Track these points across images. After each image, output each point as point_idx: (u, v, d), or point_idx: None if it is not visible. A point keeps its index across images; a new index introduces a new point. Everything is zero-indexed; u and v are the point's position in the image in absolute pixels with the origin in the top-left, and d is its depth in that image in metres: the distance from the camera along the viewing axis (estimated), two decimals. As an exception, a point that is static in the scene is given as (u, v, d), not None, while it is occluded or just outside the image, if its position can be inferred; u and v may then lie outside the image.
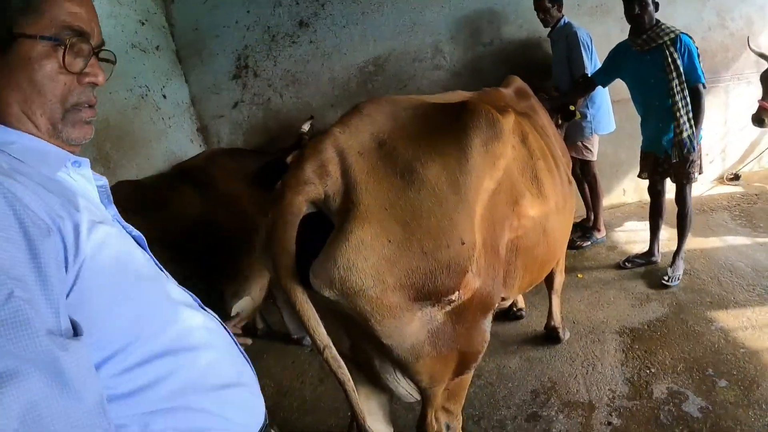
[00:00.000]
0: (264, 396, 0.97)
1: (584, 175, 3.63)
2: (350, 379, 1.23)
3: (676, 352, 2.66)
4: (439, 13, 3.38)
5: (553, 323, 2.77)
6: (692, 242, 3.57)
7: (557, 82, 3.43)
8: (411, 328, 1.17)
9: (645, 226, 3.86)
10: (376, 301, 1.07)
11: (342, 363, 1.21)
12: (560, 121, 3.10)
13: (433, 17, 3.38)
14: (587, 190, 3.69)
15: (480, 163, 1.21)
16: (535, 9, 3.29)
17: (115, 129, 2.60)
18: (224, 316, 1.29)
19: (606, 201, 3.99)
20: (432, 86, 3.48)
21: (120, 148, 2.62)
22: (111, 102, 2.60)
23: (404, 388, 1.49)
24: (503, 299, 1.76)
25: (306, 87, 3.43)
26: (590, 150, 3.48)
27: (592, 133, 3.42)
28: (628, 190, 4.05)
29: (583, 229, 3.82)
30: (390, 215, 1.08)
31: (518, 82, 2.36)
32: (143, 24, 3.00)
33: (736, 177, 4.39)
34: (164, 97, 3.07)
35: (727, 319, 2.84)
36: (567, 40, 3.26)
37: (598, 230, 3.70)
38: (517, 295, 1.88)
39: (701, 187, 4.05)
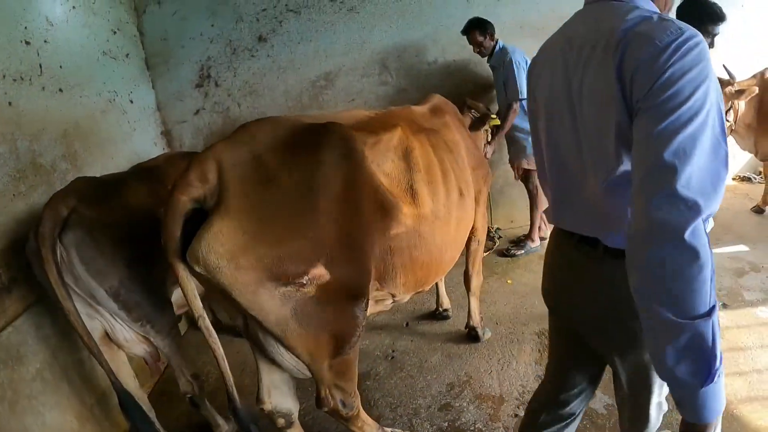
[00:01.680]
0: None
1: (526, 184, 3.83)
2: (220, 347, 1.59)
3: None
4: (386, 33, 3.71)
5: (472, 323, 3.03)
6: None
7: (501, 105, 3.69)
8: (270, 303, 1.47)
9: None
10: (232, 278, 1.38)
11: (213, 332, 1.55)
12: (490, 138, 3.37)
13: (381, 36, 3.71)
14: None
15: (330, 175, 1.51)
16: (470, 43, 3.56)
17: (83, 130, 2.88)
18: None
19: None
20: (379, 100, 3.82)
21: (87, 148, 2.90)
22: (81, 105, 2.89)
23: (289, 362, 1.77)
24: (393, 296, 2.02)
25: (262, 98, 3.76)
26: None
27: None
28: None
29: (518, 239, 4.06)
30: (249, 213, 1.40)
31: (435, 99, 2.66)
32: (115, 33, 3.31)
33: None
34: (131, 102, 3.37)
35: None
36: (504, 65, 3.49)
37: (532, 240, 3.93)
38: (405, 292, 2.07)
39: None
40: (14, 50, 2.39)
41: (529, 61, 3.41)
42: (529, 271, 3.77)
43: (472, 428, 2.45)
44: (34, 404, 2.13)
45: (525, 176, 3.80)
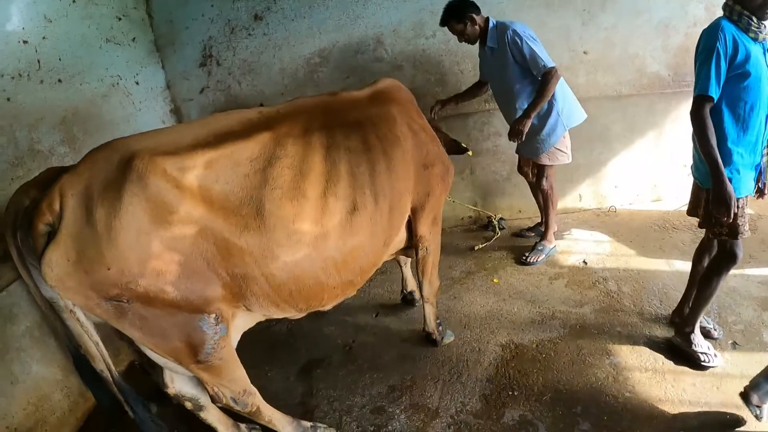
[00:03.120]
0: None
1: (539, 182, 3.46)
2: (98, 338, 1.78)
3: (551, 379, 2.61)
4: (380, 6, 3.54)
5: (426, 329, 2.92)
6: (636, 261, 3.39)
7: (502, 94, 3.31)
8: (107, 315, 1.66)
9: (591, 236, 3.67)
10: (65, 293, 1.60)
11: (90, 325, 1.74)
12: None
13: (375, 10, 3.57)
14: (540, 197, 3.62)
15: (133, 211, 1.59)
16: (452, 33, 3.28)
17: (83, 115, 3.18)
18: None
19: (560, 204, 3.86)
20: (374, 77, 3.58)
21: (87, 131, 3.20)
22: (81, 92, 3.16)
23: (158, 359, 1.90)
24: (248, 308, 1.95)
25: (260, 76, 3.85)
26: (565, 152, 3.36)
27: (565, 129, 3.26)
28: (585, 195, 3.89)
29: (521, 233, 3.76)
30: (73, 243, 1.55)
31: (383, 84, 2.47)
32: (120, 19, 3.55)
33: None
34: (137, 83, 3.63)
35: (629, 355, 2.69)
36: (507, 44, 3.08)
37: (548, 241, 3.59)
38: (288, 313, 2.08)
39: (678, 201, 3.70)
40: (12, 51, 2.68)
41: (535, 35, 3.01)
42: (520, 272, 3.54)
43: None
44: (22, 356, 2.54)
45: (538, 173, 3.46)
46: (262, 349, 3.16)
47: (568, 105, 3.23)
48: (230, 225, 1.72)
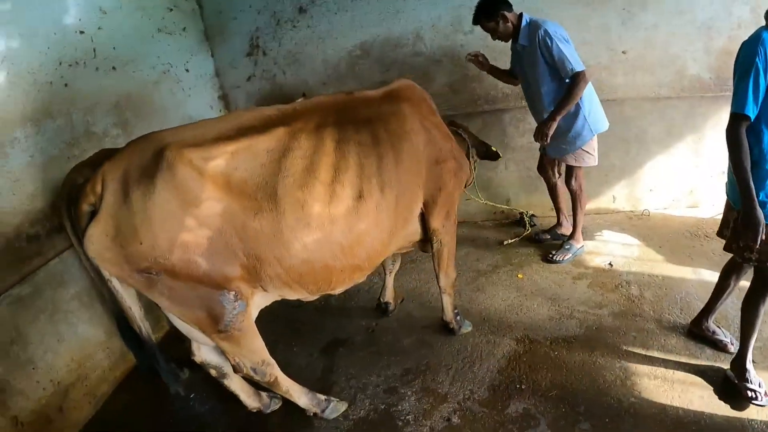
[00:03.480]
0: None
1: (568, 182, 3.49)
2: (130, 303, 2.06)
3: (559, 377, 2.68)
4: (420, 1, 3.64)
5: (444, 318, 3.05)
6: (663, 267, 3.37)
7: (532, 94, 3.32)
8: (140, 285, 1.93)
9: (620, 238, 3.67)
10: (102, 265, 1.88)
11: (122, 291, 2.01)
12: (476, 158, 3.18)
13: (415, 5, 3.66)
14: (559, 195, 3.67)
15: (164, 195, 1.82)
16: (485, 31, 3.27)
17: (135, 100, 3.46)
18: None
19: (593, 205, 3.86)
20: (413, 71, 3.87)
21: (138, 115, 3.49)
22: (133, 79, 3.44)
23: (183, 328, 2.16)
24: (264, 289, 2.18)
25: (303, 67, 4.02)
26: (592, 154, 3.38)
27: (593, 134, 3.28)
28: (619, 197, 3.88)
29: (551, 231, 3.79)
30: (111, 220, 1.81)
31: (398, 84, 2.60)
32: (171, 10, 3.80)
33: None
34: (187, 71, 3.90)
35: (640, 361, 2.71)
36: (538, 43, 3.05)
37: (576, 240, 3.59)
38: (300, 294, 2.29)
39: (715, 209, 3.63)
40: (69, 40, 2.96)
41: (567, 36, 3.01)
42: (545, 269, 3.60)
43: (402, 418, 2.61)
44: (69, 317, 2.87)
45: (567, 173, 3.49)
46: (290, 325, 3.40)
47: (595, 109, 3.23)
48: (246, 208, 1.95)
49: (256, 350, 2.24)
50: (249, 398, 2.58)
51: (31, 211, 2.66)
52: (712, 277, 3.14)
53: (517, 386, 2.68)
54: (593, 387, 2.60)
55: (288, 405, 2.64)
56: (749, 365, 2.42)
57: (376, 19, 3.74)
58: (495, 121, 3.84)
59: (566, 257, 3.54)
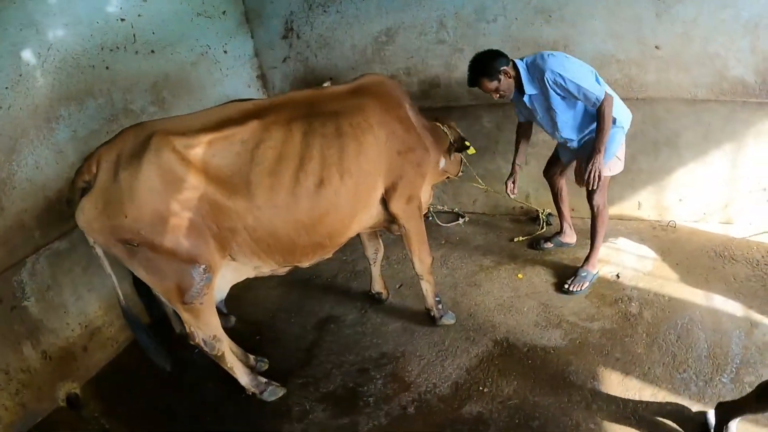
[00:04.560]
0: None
1: (591, 196, 3.15)
2: (111, 271, 2.46)
3: (525, 387, 2.72)
4: None
5: (426, 305, 3.22)
6: (673, 287, 3.21)
7: (546, 124, 3.17)
8: (121, 254, 2.30)
9: (636, 249, 3.52)
10: (90, 233, 2.26)
11: (106, 261, 2.42)
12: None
13: None
14: (563, 201, 3.59)
15: (148, 175, 2.16)
16: (485, 92, 3.08)
17: (173, 80, 3.84)
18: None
19: (616, 210, 3.71)
20: (436, 60, 3.86)
21: (175, 94, 3.88)
22: (172, 61, 3.81)
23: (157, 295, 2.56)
24: (258, 267, 2.61)
25: (333, 50, 4.21)
26: (621, 159, 3.16)
27: (624, 132, 3.07)
28: (645, 204, 3.68)
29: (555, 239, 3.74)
30: (102, 196, 2.17)
31: (366, 79, 2.84)
32: (211, -5, 4.11)
33: None
34: (225, 52, 4.22)
35: (614, 385, 2.64)
36: (550, 84, 2.87)
37: (592, 266, 3.36)
38: (269, 266, 2.64)
39: (751, 228, 3.34)
40: (110, 27, 3.37)
41: (572, 62, 2.89)
42: (546, 272, 3.56)
43: (364, 399, 2.85)
44: (100, 271, 3.19)
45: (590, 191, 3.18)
46: (296, 297, 3.74)
47: (616, 104, 2.98)
48: (222, 190, 2.30)
49: (210, 324, 2.57)
50: (245, 377, 2.87)
51: (72, 178, 3.15)
52: (724, 305, 2.98)
53: (480, 388, 2.77)
54: (555, 404, 2.61)
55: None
56: None
57: (401, 5, 3.78)
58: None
59: (584, 286, 3.29)
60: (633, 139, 3.19)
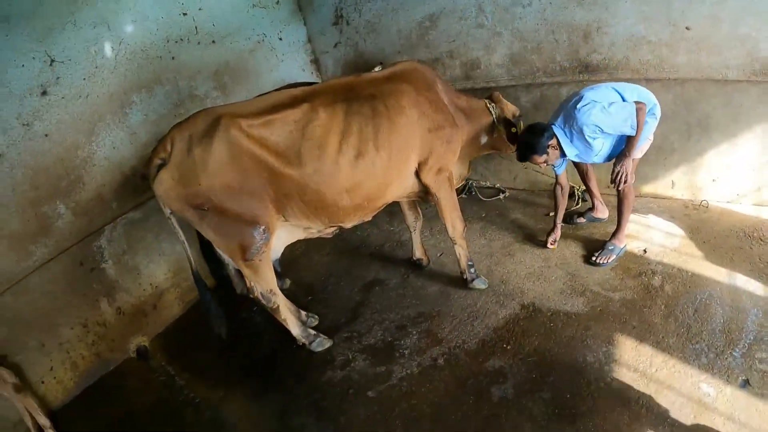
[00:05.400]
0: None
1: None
2: (184, 239, 2.97)
3: (545, 346, 3.02)
4: None
5: (460, 268, 3.57)
6: (698, 264, 3.37)
7: (601, 157, 3.39)
8: (193, 218, 2.81)
9: (666, 226, 3.68)
10: (168, 203, 2.78)
11: (179, 229, 2.93)
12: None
13: None
14: (591, 179, 3.78)
15: (219, 149, 2.65)
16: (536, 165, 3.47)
17: (232, 67, 4.31)
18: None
19: (650, 188, 3.88)
20: (476, 43, 4.17)
21: (235, 80, 4.34)
22: (231, 50, 4.28)
23: (221, 254, 3.06)
24: (309, 227, 3.13)
25: (381, 36, 4.56)
26: (651, 138, 3.37)
27: (655, 117, 3.25)
28: (678, 184, 3.82)
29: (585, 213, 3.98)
30: (176, 169, 2.67)
31: (402, 66, 3.23)
32: (266, -13, 4.53)
33: None
34: (280, 39, 4.66)
35: (627, 351, 2.87)
36: (586, 137, 3.16)
37: (619, 240, 3.56)
38: (315, 225, 3.11)
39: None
40: (174, 21, 3.85)
41: (600, 98, 3.05)
42: (577, 245, 3.81)
43: (400, 351, 3.26)
44: (170, 238, 3.87)
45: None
46: (346, 263, 4.21)
47: (648, 97, 3.19)
48: (279, 161, 2.79)
49: (268, 280, 3.06)
50: (296, 329, 3.34)
51: (145, 156, 3.57)
52: (746, 284, 3.12)
53: (504, 346, 3.10)
54: (570, 363, 2.88)
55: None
56: None
57: (442, -10, 4.07)
58: (552, 93, 3.98)
59: (610, 259, 3.51)
60: (666, 119, 3.33)
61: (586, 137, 3.17)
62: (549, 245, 3.74)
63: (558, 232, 3.76)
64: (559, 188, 3.64)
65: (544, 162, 3.38)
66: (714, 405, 2.50)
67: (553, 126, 3.28)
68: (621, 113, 3.04)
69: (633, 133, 3.07)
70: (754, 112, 3.36)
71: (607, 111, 3.04)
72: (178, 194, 2.70)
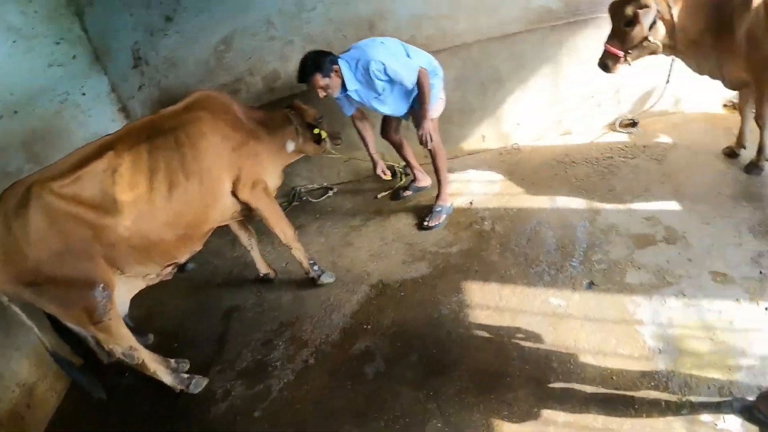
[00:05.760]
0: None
1: (424, 142, 3.53)
2: (30, 322, 2.77)
3: (401, 315, 3.20)
4: None
5: (303, 269, 3.63)
6: (520, 199, 3.64)
7: (390, 110, 3.59)
8: (29, 297, 2.71)
9: (485, 176, 3.96)
10: (1, 289, 2.66)
11: (22, 313, 2.74)
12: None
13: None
14: (406, 151, 4.00)
15: (36, 218, 2.62)
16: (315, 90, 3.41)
17: (42, 134, 4.03)
18: None
19: (464, 147, 4.15)
20: (271, 56, 4.30)
21: (47, 145, 4.05)
22: (36, 116, 4.00)
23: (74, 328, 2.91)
24: (147, 274, 3.07)
25: (180, 69, 4.56)
26: (443, 99, 3.64)
27: (438, 76, 3.51)
28: (488, 136, 4.14)
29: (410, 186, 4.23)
30: (2, 251, 2.61)
31: (195, 96, 3.31)
32: (58, 43, 4.32)
33: (632, 124, 3.96)
34: (83, 94, 4.47)
35: (476, 293, 3.10)
36: (374, 75, 3.29)
37: (443, 200, 3.81)
38: (152, 269, 3.08)
39: (588, 133, 3.86)
40: None
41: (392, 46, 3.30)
42: (408, 216, 4.05)
43: (272, 364, 3.23)
44: None
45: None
46: (200, 300, 4.09)
47: (429, 61, 3.47)
48: (97, 214, 2.78)
49: (125, 337, 2.96)
50: (168, 377, 3.18)
51: None
52: (569, 203, 3.44)
53: (364, 327, 3.21)
54: (428, 322, 3.04)
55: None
56: None
57: (229, 13, 4.17)
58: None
59: (441, 220, 3.78)
60: (461, 82, 3.68)
61: (371, 72, 3.27)
62: (383, 176, 3.77)
63: (380, 162, 3.79)
64: (357, 122, 3.74)
65: (325, 88, 3.32)
66: (568, 312, 2.78)
67: (339, 58, 3.35)
68: (406, 66, 3.29)
69: (410, 88, 3.32)
70: (538, 56, 3.78)
71: (395, 56, 3.28)
72: (9, 276, 2.62)
